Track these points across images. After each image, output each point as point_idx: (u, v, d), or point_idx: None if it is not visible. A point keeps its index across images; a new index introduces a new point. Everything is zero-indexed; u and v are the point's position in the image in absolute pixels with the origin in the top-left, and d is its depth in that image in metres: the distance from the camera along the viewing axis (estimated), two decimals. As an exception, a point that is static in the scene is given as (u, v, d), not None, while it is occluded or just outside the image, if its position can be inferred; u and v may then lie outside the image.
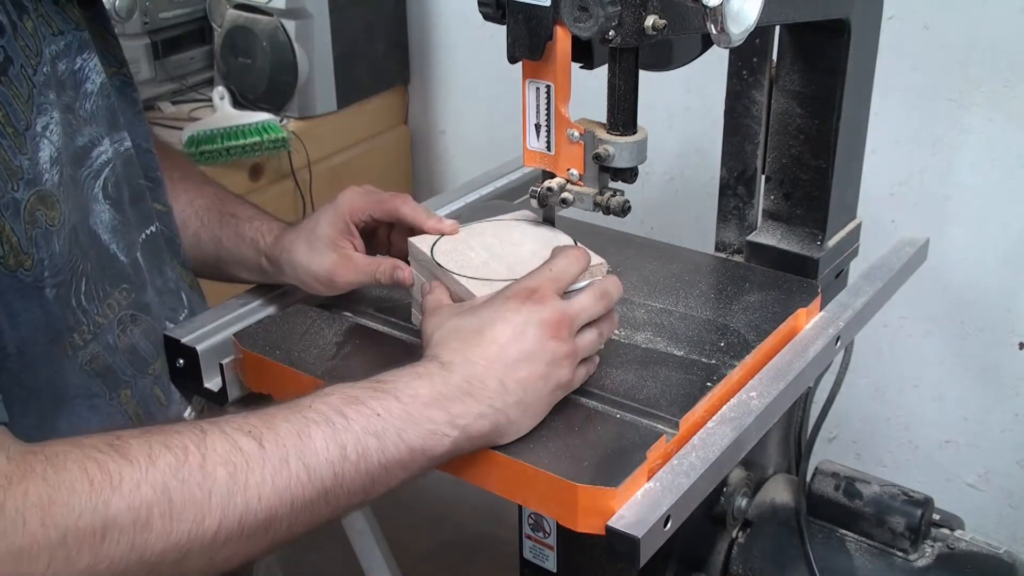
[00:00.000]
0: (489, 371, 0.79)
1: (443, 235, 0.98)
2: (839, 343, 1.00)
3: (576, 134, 0.90)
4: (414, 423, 0.76)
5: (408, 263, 0.98)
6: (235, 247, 1.08)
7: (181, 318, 1.04)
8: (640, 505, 0.77)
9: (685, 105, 1.82)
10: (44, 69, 0.86)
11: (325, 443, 0.72)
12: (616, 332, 0.98)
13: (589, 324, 0.86)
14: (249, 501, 0.68)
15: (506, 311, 0.82)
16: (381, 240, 1.04)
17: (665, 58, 1.04)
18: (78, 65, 0.92)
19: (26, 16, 0.85)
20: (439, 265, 0.93)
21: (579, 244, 0.93)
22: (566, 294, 0.86)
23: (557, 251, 0.88)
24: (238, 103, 1.95)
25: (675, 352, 0.94)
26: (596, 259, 0.91)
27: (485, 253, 0.95)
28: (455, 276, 0.92)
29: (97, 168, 0.94)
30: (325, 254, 0.98)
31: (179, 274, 1.07)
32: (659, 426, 0.85)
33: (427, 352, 0.82)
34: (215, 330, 1.01)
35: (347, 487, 0.73)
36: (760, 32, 0.98)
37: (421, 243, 0.97)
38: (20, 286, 0.82)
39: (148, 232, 1.02)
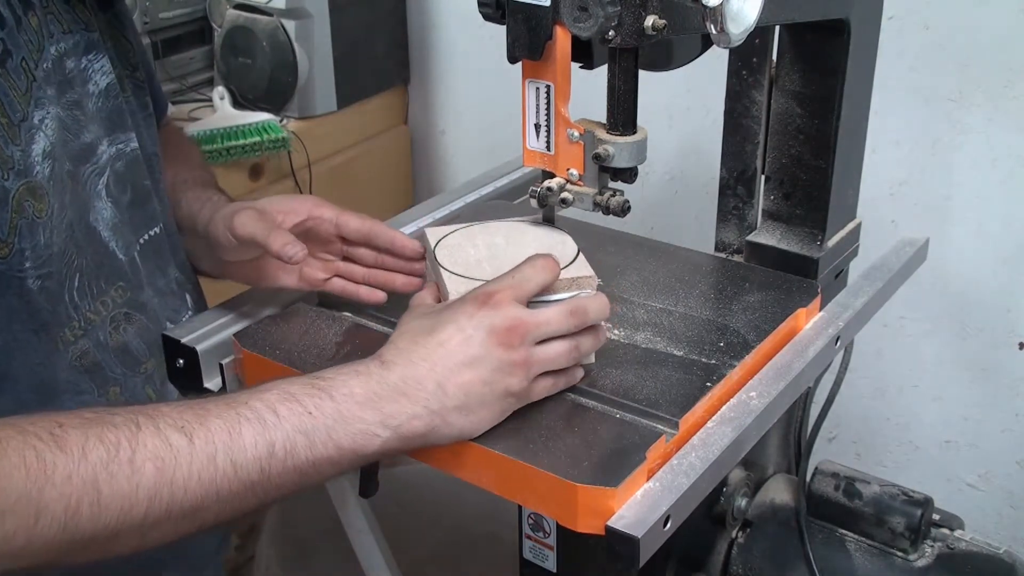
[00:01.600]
0: (429, 373, 0.79)
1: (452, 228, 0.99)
2: (839, 343, 1.00)
3: (576, 134, 0.90)
4: (345, 422, 0.77)
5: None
6: (185, 213, 1.07)
7: (184, 319, 1.05)
8: (640, 505, 0.77)
9: (685, 105, 1.82)
10: (45, 65, 0.87)
11: (254, 440, 0.74)
12: (616, 332, 0.98)
13: (562, 338, 0.85)
14: (175, 493, 0.71)
15: (459, 314, 0.82)
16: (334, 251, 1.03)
17: (665, 58, 1.04)
18: (84, 65, 0.93)
19: (32, 12, 0.86)
20: (435, 258, 0.94)
21: (579, 254, 0.93)
22: (541, 304, 0.85)
23: (528, 258, 0.87)
24: (238, 103, 1.95)
25: (675, 352, 0.94)
26: (586, 271, 0.90)
27: (486, 252, 0.95)
28: (442, 270, 0.92)
29: (101, 166, 0.95)
30: (246, 209, 0.98)
31: (183, 276, 1.07)
32: (659, 426, 0.85)
33: (381, 348, 0.83)
34: (215, 330, 1.01)
35: (275, 481, 0.76)
36: (760, 32, 0.99)
37: (432, 234, 0.98)
38: None
39: (151, 233, 1.02)
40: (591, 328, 0.87)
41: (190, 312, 1.07)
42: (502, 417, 0.83)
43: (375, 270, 1.02)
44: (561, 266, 0.89)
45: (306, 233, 0.99)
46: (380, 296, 1.00)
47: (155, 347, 1.00)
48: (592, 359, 0.92)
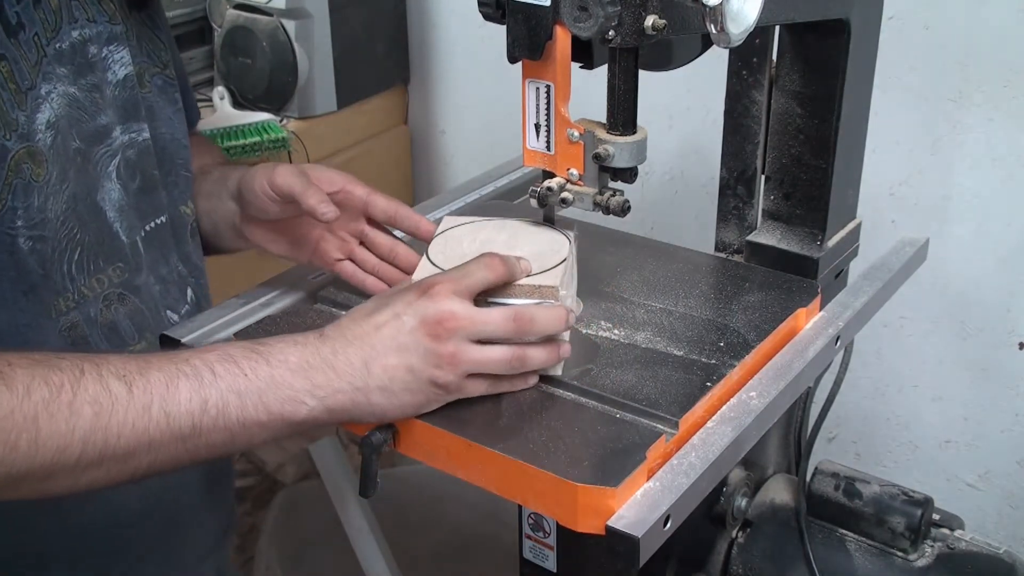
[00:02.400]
0: (358, 351, 0.82)
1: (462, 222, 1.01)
2: (839, 343, 1.00)
3: (576, 134, 0.90)
4: (276, 387, 0.80)
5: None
6: (215, 179, 1.11)
7: (183, 311, 1.07)
8: (640, 505, 0.77)
9: (685, 105, 1.82)
10: (58, 45, 0.92)
11: (189, 395, 0.78)
12: (616, 332, 0.98)
13: (505, 343, 0.85)
14: (109, 439, 0.75)
15: (399, 300, 0.84)
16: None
17: (665, 58, 1.04)
18: (104, 54, 0.98)
19: None
20: (427, 246, 0.96)
21: (563, 264, 0.92)
22: (497, 305, 0.86)
23: (478, 255, 0.88)
24: (238, 103, 1.95)
25: (675, 352, 0.94)
26: (550, 281, 0.89)
27: (476, 248, 0.95)
28: (424, 259, 0.94)
29: (114, 149, 0.99)
30: (287, 164, 1.03)
31: (186, 270, 1.09)
32: (659, 426, 0.85)
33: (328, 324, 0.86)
34: (215, 330, 1.01)
35: (205, 438, 0.79)
36: (760, 32, 0.99)
37: (445, 223, 1.01)
38: None
39: (157, 222, 1.05)
40: (549, 341, 0.87)
41: (188, 306, 1.08)
42: (430, 406, 0.85)
43: (385, 264, 1.04)
44: (536, 270, 0.89)
45: (335, 205, 1.01)
46: (384, 289, 1.02)
47: (146, 331, 1.03)
48: (558, 370, 0.90)
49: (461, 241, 0.97)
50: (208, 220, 1.12)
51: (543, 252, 0.94)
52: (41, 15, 0.91)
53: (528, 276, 0.90)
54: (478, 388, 0.86)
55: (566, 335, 0.90)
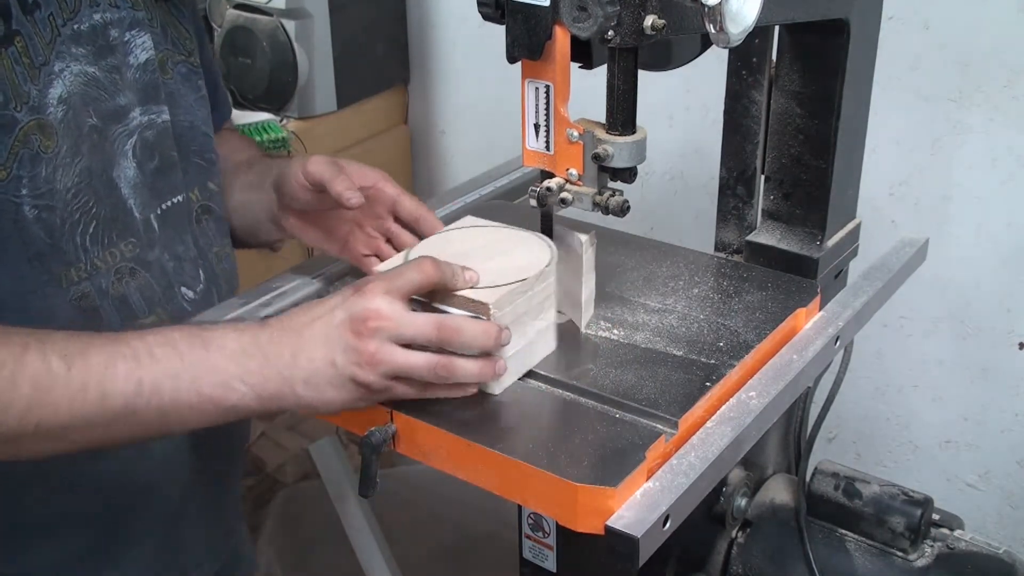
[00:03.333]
0: (290, 340, 0.84)
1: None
2: (839, 343, 1.00)
3: (575, 134, 0.90)
4: (210, 372, 0.82)
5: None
6: (257, 171, 1.15)
7: (199, 288, 1.10)
8: (639, 505, 0.77)
9: (685, 105, 1.82)
10: (76, 26, 0.95)
11: (126, 376, 0.81)
12: (616, 332, 0.98)
13: (429, 351, 0.84)
14: (45, 414, 0.79)
15: (337, 295, 0.86)
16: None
17: (665, 58, 1.04)
18: (127, 38, 1.02)
19: None
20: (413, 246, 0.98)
21: (521, 283, 0.90)
22: (438, 312, 0.87)
23: (416, 258, 0.88)
24: (238, 103, 1.95)
25: (675, 352, 0.94)
26: (487, 298, 0.86)
27: (456, 251, 0.94)
28: (399, 255, 0.95)
29: (131, 129, 1.02)
30: (321, 155, 1.06)
31: (203, 251, 1.11)
32: (658, 426, 0.85)
33: None
34: (215, 330, 1.01)
35: (140, 417, 0.82)
36: (760, 32, 0.99)
37: (460, 223, 1.03)
38: None
39: (174, 201, 1.08)
40: (485, 356, 0.86)
41: (202, 286, 1.11)
42: (357, 405, 0.85)
43: None
44: (490, 284, 0.88)
45: (365, 201, 1.04)
46: None
47: (156, 306, 1.04)
48: (495, 389, 0.88)
49: (443, 247, 0.96)
50: (248, 211, 1.15)
51: (517, 267, 0.92)
52: None
53: (472, 288, 0.88)
54: (406, 392, 0.85)
55: (507, 351, 0.88)
